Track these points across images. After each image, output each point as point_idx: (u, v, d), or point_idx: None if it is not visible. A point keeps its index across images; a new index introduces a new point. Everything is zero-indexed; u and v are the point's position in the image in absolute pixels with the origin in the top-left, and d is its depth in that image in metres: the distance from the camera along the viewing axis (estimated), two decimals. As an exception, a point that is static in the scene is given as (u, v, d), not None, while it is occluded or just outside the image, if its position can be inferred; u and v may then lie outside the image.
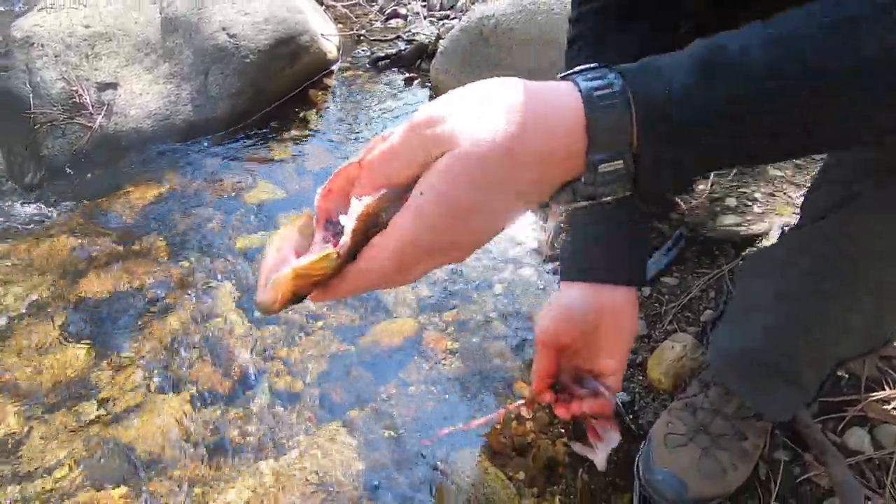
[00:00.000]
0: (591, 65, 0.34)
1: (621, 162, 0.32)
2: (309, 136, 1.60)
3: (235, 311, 1.15)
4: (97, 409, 1.00)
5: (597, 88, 0.32)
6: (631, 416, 0.87)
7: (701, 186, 1.14)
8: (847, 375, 0.82)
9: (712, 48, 0.32)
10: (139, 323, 1.13)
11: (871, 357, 0.81)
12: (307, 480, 0.88)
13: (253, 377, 1.04)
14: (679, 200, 1.12)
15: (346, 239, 0.34)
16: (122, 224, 1.35)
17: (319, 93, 1.75)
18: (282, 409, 0.99)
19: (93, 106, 1.53)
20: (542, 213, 1.26)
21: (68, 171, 1.49)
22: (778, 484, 0.73)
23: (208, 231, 1.32)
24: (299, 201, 1.39)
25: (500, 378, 0.98)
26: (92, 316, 1.15)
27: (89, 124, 1.51)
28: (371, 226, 0.35)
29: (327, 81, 1.79)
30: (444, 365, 1.01)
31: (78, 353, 1.09)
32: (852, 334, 0.60)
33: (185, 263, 1.25)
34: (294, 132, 1.60)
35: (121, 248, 1.29)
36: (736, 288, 0.76)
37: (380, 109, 1.70)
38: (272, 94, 1.65)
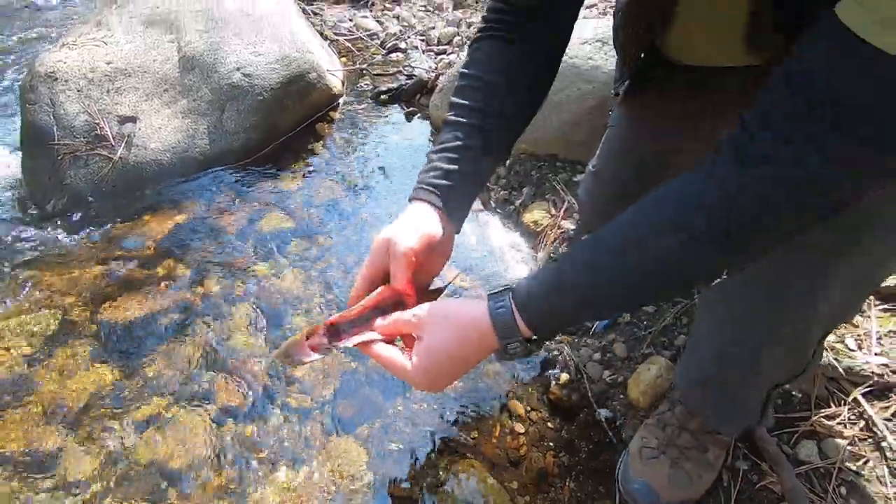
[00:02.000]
0: (497, 291, 0.60)
1: (518, 343, 0.59)
2: (316, 167, 1.71)
3: (250, 332, 1.25)
4: (125, 428, 1.09)
5: (498, 309, 0.58)
6: (613, 432, 0.98)
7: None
8: (800, 394, 0.94)
9: (557, 274, 0.57)
10: (161, 345, 1.23)
11: (819, 378, 0.92)
12: (322, 491, 0.98)
13: (268, 395, 1.13)
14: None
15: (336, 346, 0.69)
16: (142, 250, 1.44)
17: (326, 126, 1.87)
18: (296, 424, 1.08)
19: (114, 138, 1.63)
20: (533, 245, 1.37)
21: (90, 199, 1.58)
22: (737, 490, 0.84)
23: (224, 257, 1.42)
24: (308, 229, 1.50)
25: (495, 395, 1.09)
26: (116, 339, 1.24)
27: (111, 155, 1.61)
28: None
29: (333, 115, 1.92)
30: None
31: (104, 375, 1.18)
32: (780, 362, 0.70)
33: (203, 288, 1.35)
34: (303, 164, 1.71)
35: (142, 273, 1.38)
36: (695, 317, 0.88)
37: (382, 142, 1.82)
38: (283, 129, 1.77)
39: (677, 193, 0.49)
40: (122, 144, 1.63)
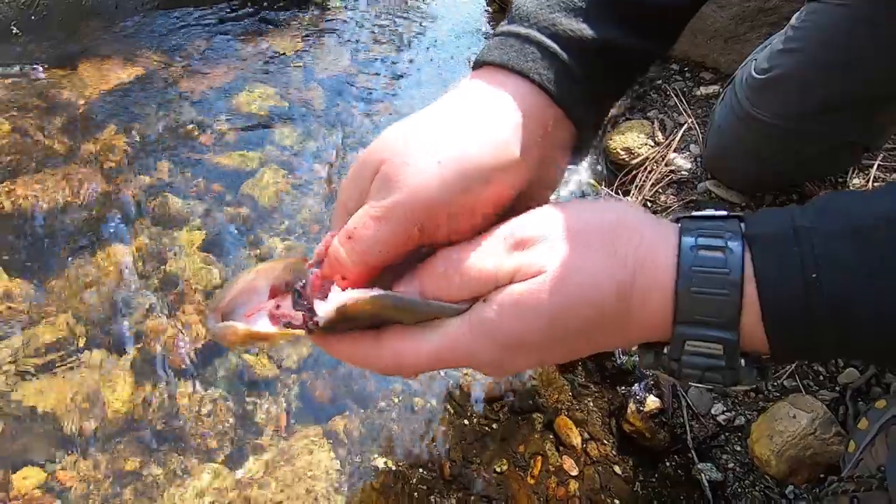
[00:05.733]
0: (705, 215, 0.28)
1: (719, 346, 0.26)
2: (327, 27, 1.24)
3: (205, 251, 0.89)
4: (8, 361, 0.77)
5: (703, 248, 0.26)
6: (720, 503, 0.63)
7: (857, 181, 0.82)
8: None
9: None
10: (78, 249, 0.87)
11: None
12: (269, 502, 0.67)
13: (216, 350, 0.80)
14: (821, 194, 0.80)
15: (317, 322, 0.29)
16: (74, 111, 1.04)
17: (347, -30, 1.35)
18: (250, 399, 0.75)
19: (49, -56, 1.16)
20: (620, 184, 0.94)
21: (15, 30, 1.16)
22: None
23: (182, 136, 1.02)
24: (304, 114, 1.07)
25: (537, 404, 0.73)
26: (16, 232, 0.89)
27: (43, -30, 1.15)
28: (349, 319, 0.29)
29: (359, -44, 1.39)
30: (468, 374, 0.76)
31: (-3, 281, 0.84)
32: None
33: (149, 176, 0.97)
34: (307, 21, 1.23)
35: (65, 144, 1.00)
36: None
37: (423, 3, 1.32)
38: (284, -37, 1.26)
39: None
40: (60, -45, 1.16)
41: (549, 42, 0.31)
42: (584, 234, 0.27)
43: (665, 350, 0.28)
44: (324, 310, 0.28)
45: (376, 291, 0.27)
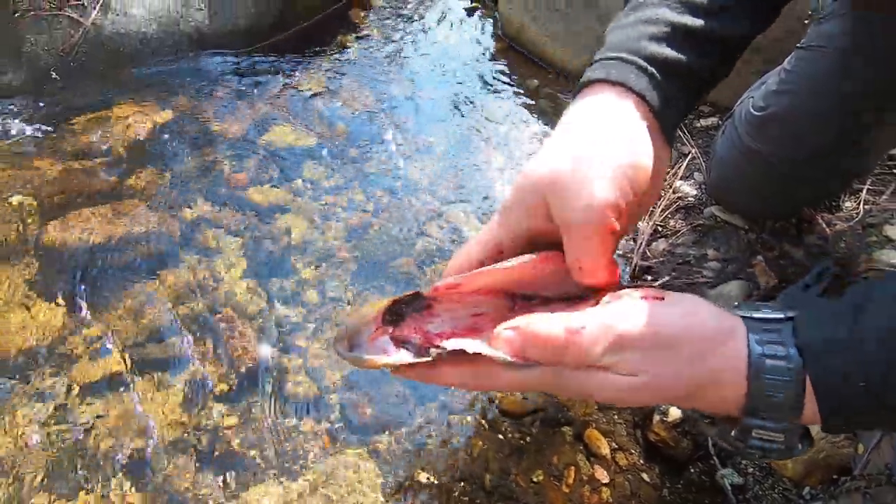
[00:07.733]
0: (769, 314, 0.33)
1: (781, 436, 0.32)
2: (346, 67, 1.32)
3: (244, 280, 0.94)
4: (64, 390, 0.81)
5: (767, 349, 0.32)
6: (742, 506, 0.68)
7: (849, 204, 0.89)
8: None
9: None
10: (125, 282, 0.93)
11: None
12: (319, 520, 0.71)
13: (260, 371, 0.84)
14: (820, 218, 0.87)
15: (438, 355, 0.36)
16: (112, 153, 1.11)
17: (363, 13, 1.44)
18: (293, 419, 0.80)
19: (86, -3, 1.24)
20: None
21: (55, 76, 1.23)
22: None
23: (217, 174, 1.09)
24: (328, 150, 1.14)
25: (566, 417, 0.79)
26: (67, 268, 0.94)
27: (81, 20, 1.23)
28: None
29: (372, 0, 1.48)
30: (501, 393, 0.81)
31: (46, 317, 0.89)
32: None
33: (187, 213, 1.02)
34: (328, 60, 1.32)
35: (109, 182, 1.06)
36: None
37: (432, 43, 1.41)
38: (307, 8, 1.36)
39: None
40: (97, 6, 1.24)
41: (642, 62, 0.38)
42: (673, 344, 0.32)
43: (732, 433, 0.34)
44: (453, 344, 0.35)
45: (492, 349, 0.34)
